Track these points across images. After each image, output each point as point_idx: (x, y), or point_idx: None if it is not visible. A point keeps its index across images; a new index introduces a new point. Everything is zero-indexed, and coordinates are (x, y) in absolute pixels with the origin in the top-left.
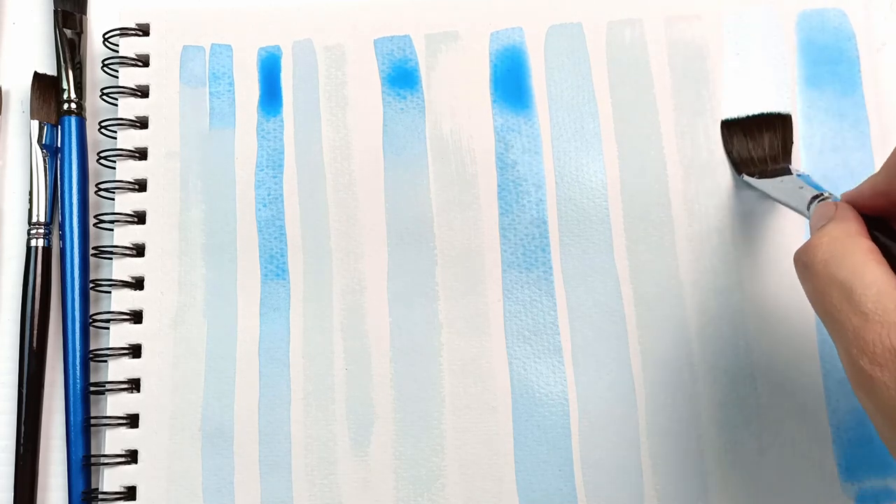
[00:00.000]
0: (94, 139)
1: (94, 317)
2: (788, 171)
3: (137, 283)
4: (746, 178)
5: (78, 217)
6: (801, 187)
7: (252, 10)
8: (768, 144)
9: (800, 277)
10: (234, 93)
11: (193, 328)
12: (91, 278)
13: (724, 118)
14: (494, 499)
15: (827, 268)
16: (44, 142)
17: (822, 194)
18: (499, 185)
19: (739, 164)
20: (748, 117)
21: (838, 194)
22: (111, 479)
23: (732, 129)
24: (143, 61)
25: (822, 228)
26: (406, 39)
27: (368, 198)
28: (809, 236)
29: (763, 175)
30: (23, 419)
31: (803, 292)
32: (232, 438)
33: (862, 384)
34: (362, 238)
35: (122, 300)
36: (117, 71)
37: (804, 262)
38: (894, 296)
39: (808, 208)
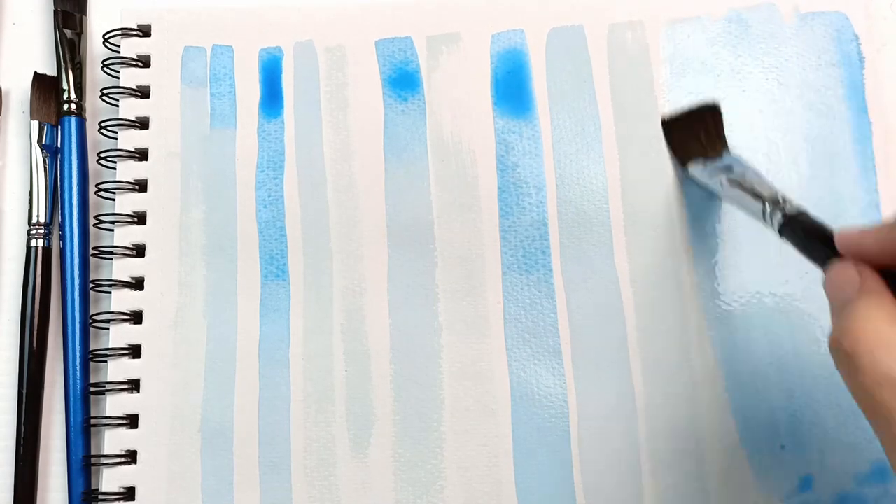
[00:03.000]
0: (94, 139)
1: (94, 317)
2: (727, 163)
3: (137, 284)
4: (691, 171)
5: (78, 217)
6: (752, 187)
7: (253, 11)
8: (704, 134)
9: (839, 367)
10: (234, 94)
11: (193, 329)
12: (91, 278)
13: (662, 117)
14: (494, 501)
15: (876, 363)
16: (44, 142)
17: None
18: (499, 187)
19: (681, 156)
20: (681, 113)
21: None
22: (110, 480)
23: (669, 126)
24: (144, 62)
25: (855, 308)
26: (407, 41)
27: (369, 199)
28: (828, 294)
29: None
30: (23, 419)
31: (804, 296)
32: (231, 439)
33: None
34: (363, 239)
35: (122, 300)
36: (118, 71)
37: (846, 351)
38: None
39: (765, 216)
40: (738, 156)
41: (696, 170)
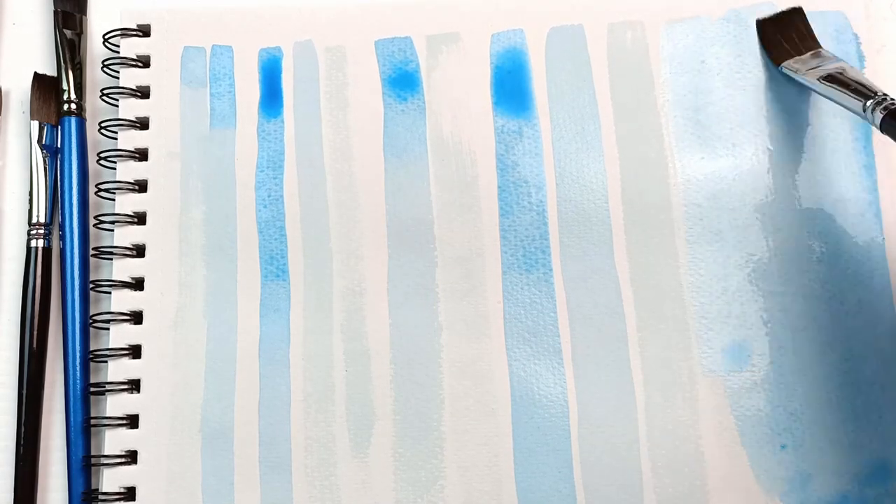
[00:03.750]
0: (94, 139)
1: (94, 317)
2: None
3: (137, 284)
4: (785, 69)
5: (78, 217)
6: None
7: (253, 11)
8: (796, 34)
9: None
10: (234, 94)
11: (193, 329)
12: (91, 279)
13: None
14: (494, 500)
15: None
16: (44, 142)
17: (884, 98)
18: (499, 187)
19: (775, 56)
20: (773, 15)
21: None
22: (111, 480)
23: (761, 27)
24: (144, 62)
25: None
26: (407, 41)
27: (369, 199)
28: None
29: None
30: (23, 419)
31: (805, 295)
32: (232, 439)
33: None
34: (363, 239)
35: (122, 301)
36: (118, 71)
37: None
38: None
39: (865, 111)
40: (832, 53)
41: (791, 69)
